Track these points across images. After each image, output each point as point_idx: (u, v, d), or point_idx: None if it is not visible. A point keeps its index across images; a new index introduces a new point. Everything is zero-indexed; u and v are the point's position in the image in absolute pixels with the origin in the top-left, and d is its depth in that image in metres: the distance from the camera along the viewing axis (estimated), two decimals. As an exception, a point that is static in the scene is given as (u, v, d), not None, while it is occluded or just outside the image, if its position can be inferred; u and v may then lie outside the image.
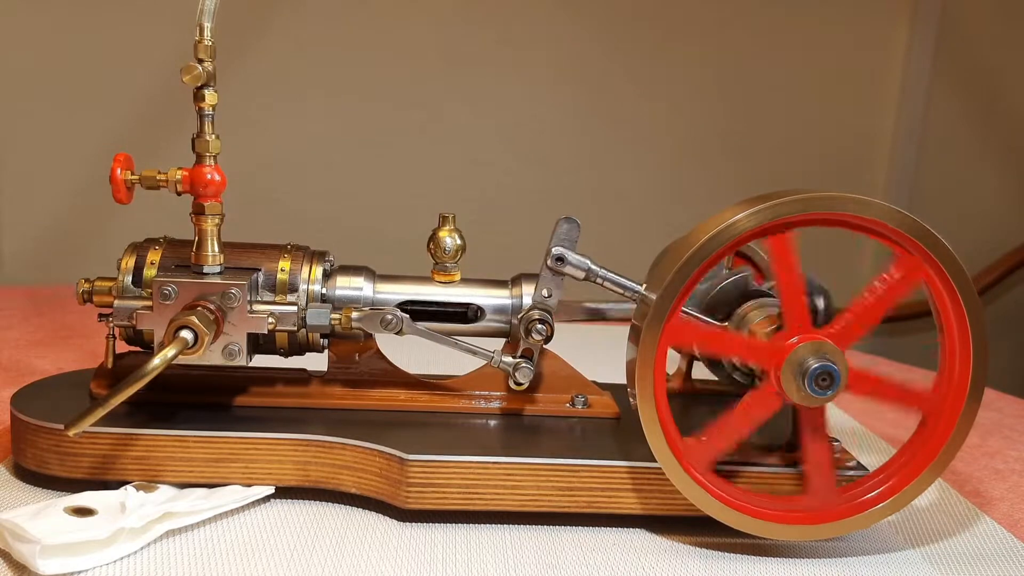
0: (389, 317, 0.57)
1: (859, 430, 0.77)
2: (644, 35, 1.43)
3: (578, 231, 0.57)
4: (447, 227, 0.59)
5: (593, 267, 0.57)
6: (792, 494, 0.55)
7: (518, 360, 0.59)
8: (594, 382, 0.64)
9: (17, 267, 1.37)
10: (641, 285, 0.56)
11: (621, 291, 0.56)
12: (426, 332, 0.59)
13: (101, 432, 0.54)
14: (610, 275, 0.57)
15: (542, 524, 0.55)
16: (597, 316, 0.62)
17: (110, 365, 0.59)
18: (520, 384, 0.59)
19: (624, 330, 0.54)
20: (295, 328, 0.56)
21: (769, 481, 0.55)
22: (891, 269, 0.52)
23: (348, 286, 0.60)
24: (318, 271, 0.59)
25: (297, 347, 0.60)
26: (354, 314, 0.57)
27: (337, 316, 0.57)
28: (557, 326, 0.59)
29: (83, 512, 0.51)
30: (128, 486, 0.54)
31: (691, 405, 0.64)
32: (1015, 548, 0.57)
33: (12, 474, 0.58)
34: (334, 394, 0.61)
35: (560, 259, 0.57)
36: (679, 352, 0.67)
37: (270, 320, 0.55)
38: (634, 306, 0.54)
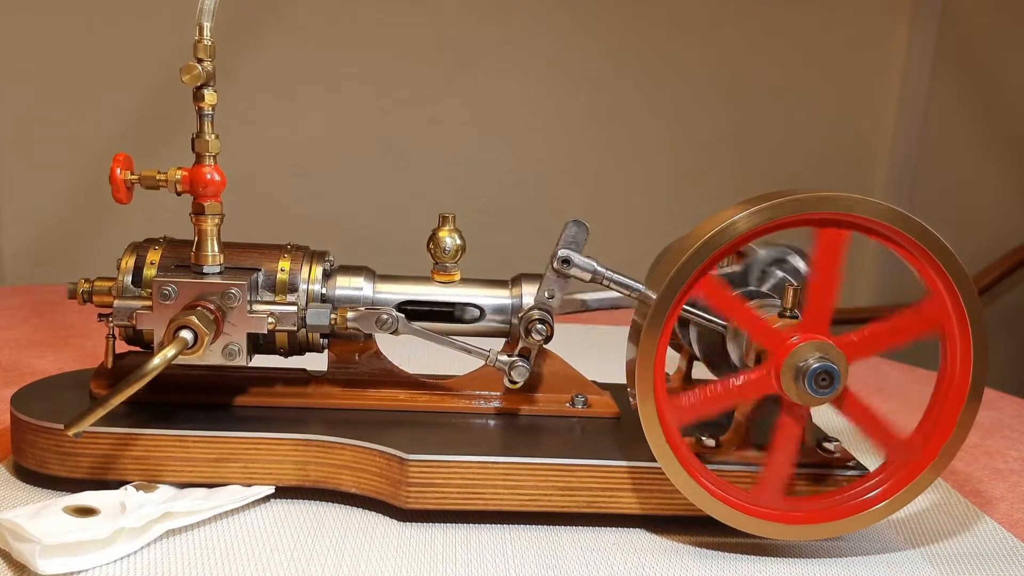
0: (385, 317, 0.57)
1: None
2: (645, 35, 1.43)
3: (586, 234, 0.57)
4: (447, 227, 0.59)
5: (599, 268, 0.57)
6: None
7: (514, 359, 0.59)
8: (594, 382, 0.64)
9: (18, 267, 1.37)
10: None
11: (627, 292, 0.57)
12: (422, 332, 0.59)
13: (101, 432, 0.54)
14: (616, 276, 0.57)
15: (542, 524, 0.55)
16: (584, 308, 0.62)
17: (110, 365, 0.59)
18: (515, 383, 0.59)
19: (624, 330, 0.54)
20: (295, 328, 0.56)
21: (769, 481, 0.55)
22: (920, 304, 0.52)
23: (348, 286, 0.60)
24: (318, 271, 0.59)
25: (297, 347, 0.60)
26: (350, 314, 0.57)
27: (333, 316, 0.57)
28: (557, 326, 0.59)
29: (83, 512, 0.51)
30: (128, 486, 0.54)
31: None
32: (1015, 548, 0.57)
33: (12, 474, 0.58)
34: (334, 394, 0.61)
35: (566, 261, 0.57)
36: (677, 351, 0.67)
37: (270, 320, 0.55)
38: (615, 295, 0.54)
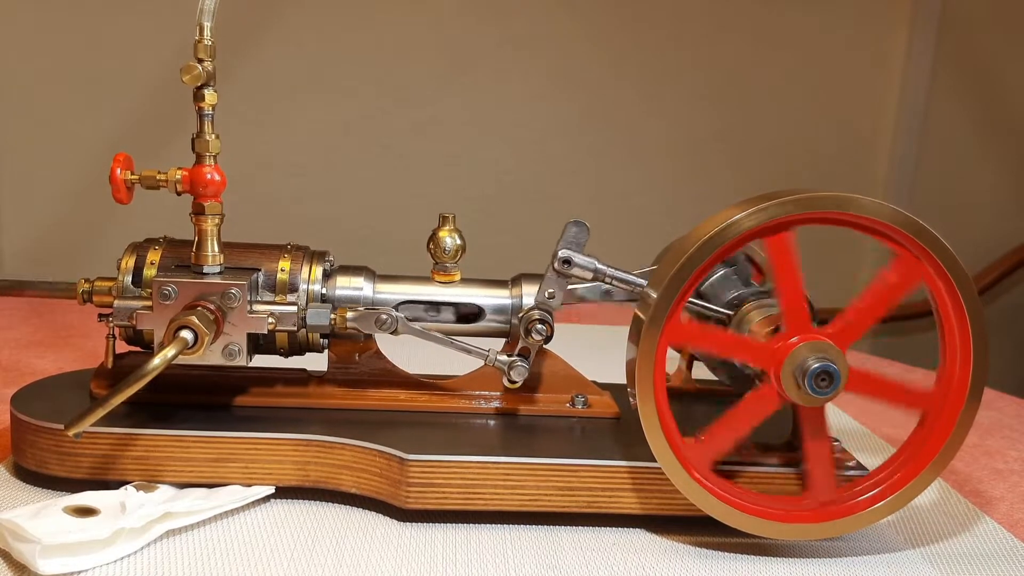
0: (384, 317, 0.57)
1: (859, 430, 0.77)
2: (646, 35, 1.43)
3: (587, 235, 0.57)
4: (447, 227, 0.59)
5: (600, 266, 0.57)
6: (792, 494, 0.55)
7: (513, 358, 0.59)
8: (594, 382, 0.64)
9: (18, 267, 1.37)
10: None
11: (631, 288, 0.57)
12: (421, 332, 0.59)
13: (101, 432, 0.54)
14: (618, 273, 0.57)
15: (542, 524, 0.55)
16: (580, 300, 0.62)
17: (110, 365, 0.59)
18: (514, 382, 0.59)
19: (624, 330, 0.54)
20: (295, 328, 0.56)
21: (769, 481, 0.55)
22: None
23: (348, 286, 0.60)
24: (318, 271, 0.59)
25: (297, 347, 0.60)
26: (349, 314, 0.57)
27: (333, 316, 0.57)
28: (557, 326, 0.59)
29: (83, 512, 0.51)
30: (128, 486, 0.54)
31: (691, 405, 0.64)
32: (1015, 548, 0.57)
33: (12, 474, 0.58)
34: (334, 394, 0.61)
35: (567, 261, 0.57)
36: (679, 351, 0.67)
37: (270, 320, 0.55)
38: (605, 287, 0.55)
